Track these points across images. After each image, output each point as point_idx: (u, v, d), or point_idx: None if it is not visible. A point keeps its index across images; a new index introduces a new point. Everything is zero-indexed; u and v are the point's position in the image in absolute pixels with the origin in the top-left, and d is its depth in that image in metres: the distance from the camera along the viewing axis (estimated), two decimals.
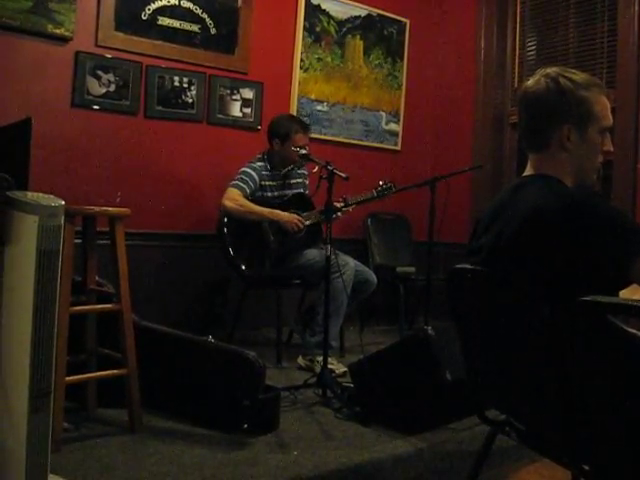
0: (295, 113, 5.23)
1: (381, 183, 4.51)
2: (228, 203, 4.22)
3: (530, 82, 1.96)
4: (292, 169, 4.45)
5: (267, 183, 4.39)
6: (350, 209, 4.44)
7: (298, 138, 4.33)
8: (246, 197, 4.26)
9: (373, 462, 2.73)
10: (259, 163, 4.41)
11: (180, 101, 4.75)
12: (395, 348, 3.20)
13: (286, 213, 4.29)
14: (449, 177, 4.48)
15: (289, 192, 4.45)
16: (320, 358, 3.78)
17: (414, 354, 3.06)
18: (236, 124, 5.02)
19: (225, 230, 4.28)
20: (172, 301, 4.71)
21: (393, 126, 5.91)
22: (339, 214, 4.34)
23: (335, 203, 4.15)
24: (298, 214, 4.32)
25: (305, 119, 5.21)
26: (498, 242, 1.85)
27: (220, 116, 4.95)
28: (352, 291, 4.20)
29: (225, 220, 4.28)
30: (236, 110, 5.02)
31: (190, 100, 4.79)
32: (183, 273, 4.79)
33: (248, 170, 4.35)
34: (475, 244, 1.98)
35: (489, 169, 5.65)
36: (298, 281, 4.42)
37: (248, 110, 5.06)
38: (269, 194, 4.39)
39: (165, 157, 4.73)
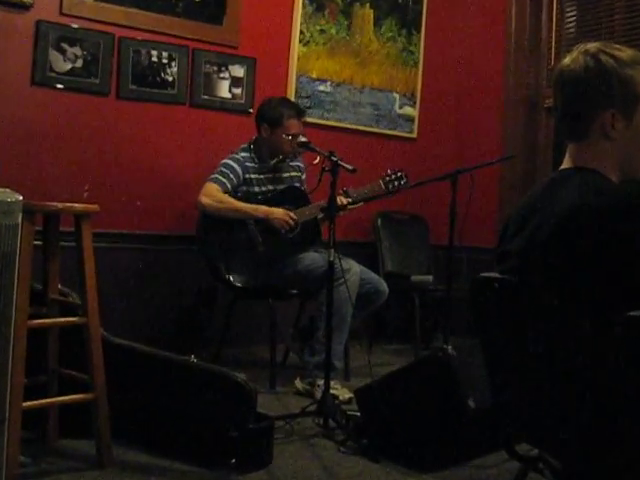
0: (293, 94, 5.24)
1: (389, 172, 4.48)
2: (204, 199, 4.23)
3: (567, 60, 1.96)
4: (283, 160, 4.44)
5: (253, 177, 4.39)
6: (357, 206, 4.43)
7: (290, 125, 4.33)
8: (227, 193, 4.26)
9: None
10: (243, 154, 4.41)
11: (158, 79, 4.76)
12: (409, 370, 3.19)
13: (274, 209, 4.29)
14: (474, 170, 4.47)
15: (280, 187, 4.46)
16: (321, 382, 3.77)
17: (432, 377, 3.06)
18: (224, 107, 5.02)
19: (205, 232, 4.28)
20: (148, 314, 4.71)
21: (408, 110, 5.91)
22: (341, 213, 4.33)
23: (337, 198, 4.13)
24: (290, 210, 4.32)
25: (305, 102, 5.22)
26: (531, 247, 1.85)
27: (205, 97, 4.95)
28: (359, 303, 4.19)
29: (204, 220, 4.28)
30: (224, 90, 5.02)
31: (170, 78, 4.79)
32: (162, 281, 4.78)
33: (229, 162, 4.35)
34: (504, 249, 1.98)
35: (521, 161, 5.64)
36: (295, 291, 4.42)
37: (238, 90, 5.07)
38: (256, 189, 4.39)
39: (141, 145, 4.73)
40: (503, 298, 1.91)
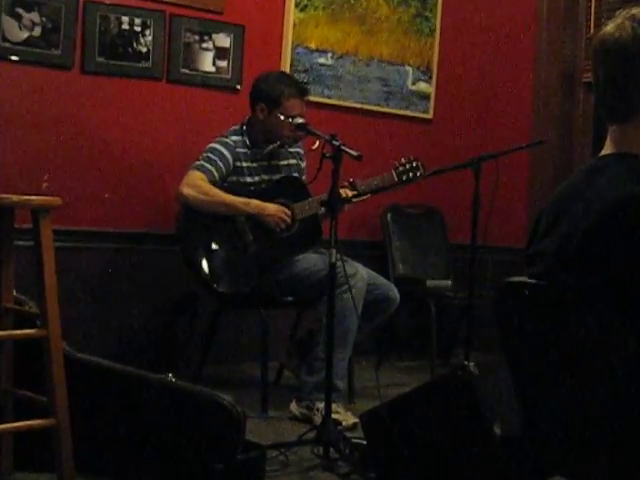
0: (288, 68, 5.24)
1: (403, 161, 4.47)
2: (187, 190, 4.22)
3: (610, 27, 1.95)
4: (281, 147, 4.43)
5: (245, 164, 4.39)
6: (363, 198, 4.43)
7: (291, 105, 4.32)
8: (214, 183, 4.26)
9: None
10: (234, 137, 4.40)
11: (130, 50, 4.75)
12: (424, 392, 3.19)
13: (267, 204, 4.29)
14: (500, 156, 4.48)
15: (276, 178, 4.46)
16: (321, 405, 3.77)
17: (450, 400, 3.06)
18: (207, 82, 5.02)
19: (186, 229, 4.27)
20: (118, 325, 4.71)
21: (423, 86, 5.91)
22: (346, 207, 4.32)
23: (340, 190, 4.13)
24: (286, 205, 4.32)
25: (302, 77, 5.22)
26: (566, 246, 1.85)
27: (185, 71, 4.95)
28: (366, 313, 4.19)
29: (185, 215, 4.28)
30: (207, 63, 5.02)
31: (144, 49, 4.79)
32: (134, 287, 4.78)
33: (217, 147, 4.34)
34: (535, 249, 1.98)
35: (555, 146, 5.64)
36: (290, 298, 4.42)
37: (224, 63, 5.06)
38: (247, 179, 4.39)
39: (110, 128, 4.73)
40: (534, 306, 1.91)
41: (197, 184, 4.22)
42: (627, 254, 1.72)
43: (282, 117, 4.27)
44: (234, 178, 4.35)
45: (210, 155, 4.30)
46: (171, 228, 4.54)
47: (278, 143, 4.39)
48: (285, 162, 4.51)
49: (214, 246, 4.26)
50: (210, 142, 4.37)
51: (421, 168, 4.48)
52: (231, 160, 4.33)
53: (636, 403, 1.69)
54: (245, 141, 4.41)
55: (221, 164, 4.29)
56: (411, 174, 4.46)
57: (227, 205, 4.25)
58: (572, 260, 1.83)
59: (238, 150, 4.36)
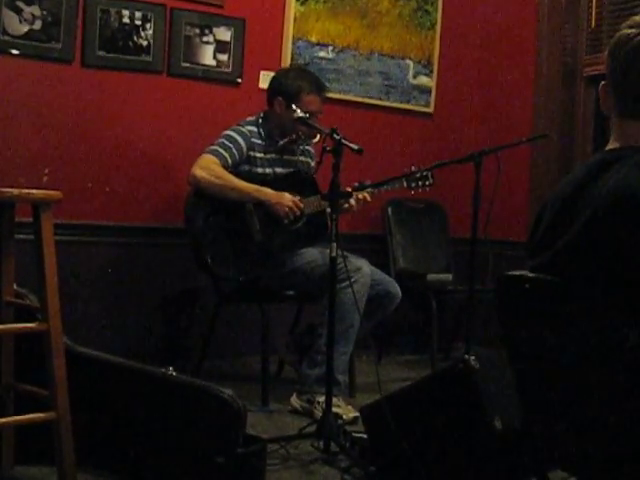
0: (289, 61, 5.23)
1: (413, 169, 4.46)
2: (199, 172, 4.22)
3: (630, 26, 1.95)
4: (295, 142, 4.44)
5: (258, 155, 4.39)
6: (368, 197, 4.42)
7: (309, 100, 4.33)
8: (226, 169, 4.26)
9: None
10: (250, 127, 4.41)
11: (131, 44, 4.75)
12: (425, 385, 3.19)
13: (279, 193, 4.29)
14: (501, 150, 4.47)
15: (288, 170, 4.47)
16: (322, 398, 3.77)
17: (451, 394, 3.05)
18: (208, 76, 5.01)
19: (194, 211, 4.27)
20: (119, 319, 4.71)
21: (424, 80, 5.90)
22: (352, 202, 4.31)
23: (347, 189, 4.14)
24: (296, 196, 4.31)
25: None
26: (570, 239, 1.84)
27: (186, 65, 4.94)
28: (367, 308, 4.20)
29: (195, 198, 4.28)
30: (208, 57, 5.01)
31: (145, 43, 4.78)
32: (136, 281, 4.78)
33: (233, 134, 4.35)
34: (537, 242, 1.98)
35: (556, 139, 5.63)
36: (292, 292, 4.42)
37: (224, 57, 5.06)
38: (259, 170, 4.39)
39: (110, 121, 4.72)
40: (536, 300, 1.91)
41: (210, 167, 4.23)
42: (635, 248, 1.72)
43: (300, 112, 4.23)
44: (246, 167, 4.35)
45: (225, 141, 4.31)
46: (172, 222, 4.54)
47: (293, 137, 4.39)
48: (297, 159, 4.52)
49: (220, 231, 4.26)
50: (207, 136, 4.37)
51: (430, 178, 4.48)
52: (245, 149, 4.34)
53: (638, 398, 1.69)
54: (260, 132, 4.41)
55: (235, 151, 4.30)
56: (420, 183, 4.47)
57: (238, 190, 4.24)
58: (575, 254, 1.83)
59: (253, 140, 4.37)
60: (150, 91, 4.84)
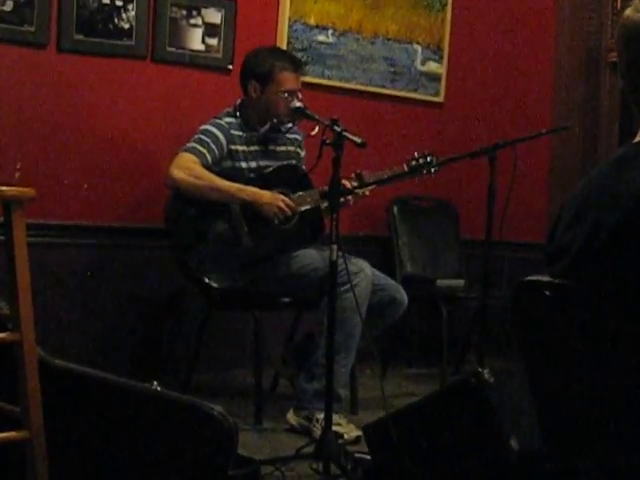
0: (285, 46, 5.23)
1: (416, 155, 4.48)
2: (178, 173, 4.21)
3: (629, 10, 1.96)
4: (278, 127, 4.44)
5: (240, 148, 4.39)
6: (366, 192, 4.43)
7: (285, 79, 4.34)
8: (207, 167, 4.26)
9: None
10: (227, 119, 4.41)
11: (111, 27, 4.74)
12: (434, 402, 3.19)
13: (266, 192, 4.28)
14: (518, 144, 4.47)
15: (274, 164, 4.46)
16: (321, 415, 3.77)
17: (463, 411, 3.06)
18: (196, 62, 5.01)
19: (175, 216, 4.27)
20: (99, 328, 4.71)
21: (433, 66, 5.91)
22: (350, 198, 4.33)
23: (344, 181, 4.14)
24: (286, 194, 4.31)
25: (300, 55, 5.21)
26: (594, 239, 1.84)
27: (172, 50, 4.94)
28: (371, 316, 4.20)
29: (175, 201, 4.28)
30: (196, 41, 5.01)
31: (127, 26, 4.78)
32: (116, 286, 4.78)
33: (210, 128, 4.35)
34: (557, 244, 1.97)
35: (578, 132, 5.64)
36: (287, 299, 4.42)
37: (214, 41, 5.06)
38: (243, 164, 4.39)
39: (89, 112, 4.72)
40: (556, 308, 1.90)
41: (188, 167, 4.22)
42: None
43: (278, 93, 4.27)
44: (228, 163, 4.35)
45: (202, 137, 4.31)
46: (157, 222, 4.54)
47: (275, 121, 4.40)
48: (283, 149, 4.52)
49: (205, 237, 4.25)
50: (195, 127, 4.37)
51: (435, 163, 4.48)
52: (225, 143, 4.34)
53: None
54: (239, 123, 4.41)
55: (214, 147, 4.30)
56: (424, 171, 4.47)
57: (220, 191, 4.24)
58: (598, 257, 1.83)
59: (232, 132, 4.37)
60: (132, 79, 4.84)
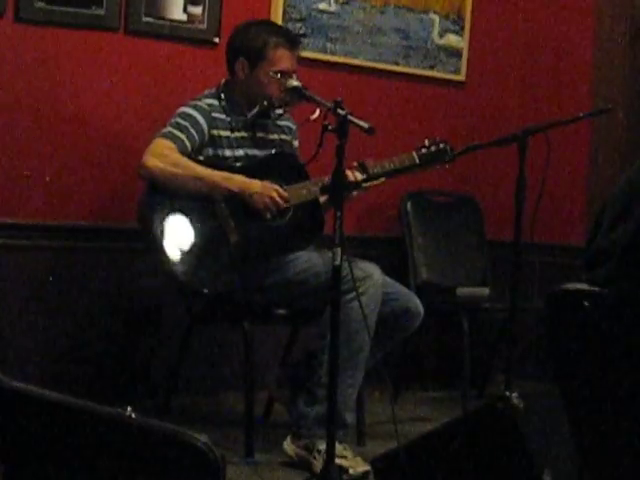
0: (280, 17, 5.24)
1: (427, 143, 4.48)
2: (152, 161, 4.20)
3: None
4: (267, 111, 4.44)
5: (223, 134, 4.40)
6: (375, 183, 4.44)
7: (278, 56, 4.35)
8: (186, 155, 4.25)
9: None
10: (209, 100, 4.41)
11: None
12: (454, 430, 3.19)
13: (254, 181, 4.28)
14: (551, 129, 4.48)
15: (264, 153, 4.47)
16: (323, 445, 3.77)
17: (488, 440, 3.06)
18: (177, 34, 5.01)
19: (150, 211, 4.27)
20: (62, 344, 4.71)
21: (453, 39, 5.91)
22: (354, 193, 4.33)
23: (348, 172, 4.14)
24: (279, 185, 4.31)
25: (297, 27, 5.23)
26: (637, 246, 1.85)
27: (148, 20, 4.94)
28: (381, 328, 4.20)
29: (150, 193, 4.28)
30: (177, 10, 5.01)
31: None
32: (84, 295, 4.79)
33: (189, 111, 4.34)
34: (599, 245, 1.97)
35: (623, 117, 5.64)
36: (282, 310, 4.42)
37: (197, 10, 5.06)
38: (227, 152, 4.39)
39: (51, 91, 4.73)
40: (597, 321, 1.90)
41: (164, 154, 4.21)
42: None
43: (270, 73, 4.27)
44: (210, 151, 4.35)
45: (180, 121, 4.30)
46: (130, 221, 4.54)
47: (265, 103, 4.39)
48: (275, 137, 4.52)
49: (186, 234, 4.25)
50: (180, 107, 4.38)
51: (449, 151, 4.48)
52: (206, 127, 4.33)
53: None
54: (223, 106, 4.41)
55: (193, 131, 4.29)
56: (437, 159, 4.47)
57: (202, 180, 4.23)
58: None
59: (215, 115, 4.37)
60: (103, 53, 4.84)
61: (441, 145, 4.48)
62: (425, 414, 4.98)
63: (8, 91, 4.62)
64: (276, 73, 4.28)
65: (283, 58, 4.35)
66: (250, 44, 4.38)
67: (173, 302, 4.54)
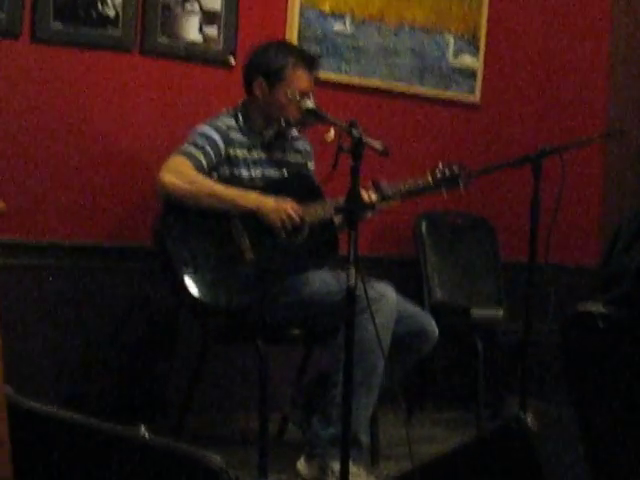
0: (295, 37, 5.25)
1: (441, 167, 4.48)
2: (168, 178, 4.21)
3: None
4: (285, 134, 4.45)
5: (240, 154, 4.41)
6: (389, 205, 4.44)
7: (297, 77, 4.37)
8: (202, 173, 4.26)
9: None
10: (226, 120, 4.43)
11: (94, 14, 4.76)
12: (468, 451, 3.18)
13: (271, 198, 4.28)
14: (566, 151, 4.47)
15: (280, 173, 4.48)
16: (337, 466, 3.76)
17: (502, 462, 3.05)
18: (192, 55, 5.02)
19: (166, 228, 4.27)
20: (76, 364, 4.72)
21: (468, 60, 5.92)
22: (369, 214, 4.34)
23: (362, 192, 4.14)
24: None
25: (313, 48, 5.23)
26: None
27: (163, 41, 4.95)
28: (396, 349, 4.21)
29: (166, 210, 4.29)
30: (192, 31, 5.02)
31: (112, 13, 4.80)
32: (97, 315, 4.78)
33: (206, 130, 4.36)
34: (615, 266, 1.97)
35: (636, 139, 5.63)
36: (297, 330, 4.43)
37: (213, 31, 5.07)
38: (243, 172, 4.40)
39: (65, 111, 4.73)
40: (612, 343, 1.90)
41: (180, 170, 4.22)
42: None
43: (288, 93, 4.28)
44: (227, 171, 4.36)
45: (197, 139, 4.31)
46: (145, 240, 4.54)
47: (283, 124, 4.39)
48: (291, 158, 4.53)
49: (201, 251, 4.25)
50: (196, 126, 4.39)
51: (463, 177, 4.47)
52: (223, 147, 4.35)
53: None
54: (240, 126, 4.43)
55: (210, 149, 4.30)
56: (450, 184, 4.47)
57: (218, 197, 4.24)
58: None
59: (232, 135, 4.38)
60: (119, 73, 4.85)
61: (455, 168, 4.48)
62: (439, 435, 4.97)
63: (24, 111, 4.63)
64: (294, 93, 4.28)
65: (302, 79, 4.37)
66: (269, 64, 4.40)
67: (188, 322, 4.54)
